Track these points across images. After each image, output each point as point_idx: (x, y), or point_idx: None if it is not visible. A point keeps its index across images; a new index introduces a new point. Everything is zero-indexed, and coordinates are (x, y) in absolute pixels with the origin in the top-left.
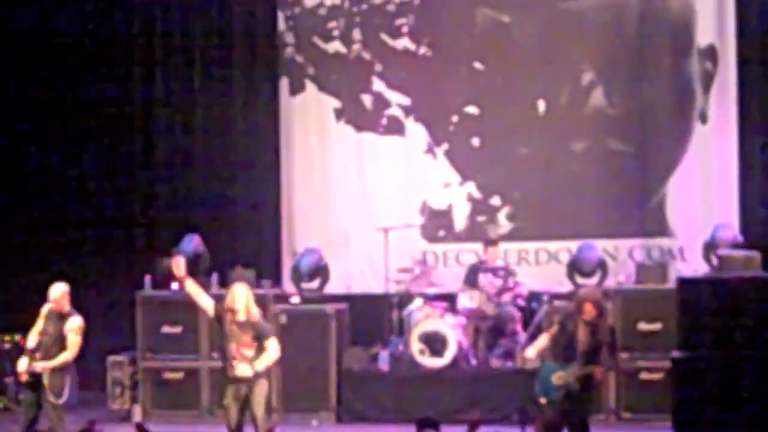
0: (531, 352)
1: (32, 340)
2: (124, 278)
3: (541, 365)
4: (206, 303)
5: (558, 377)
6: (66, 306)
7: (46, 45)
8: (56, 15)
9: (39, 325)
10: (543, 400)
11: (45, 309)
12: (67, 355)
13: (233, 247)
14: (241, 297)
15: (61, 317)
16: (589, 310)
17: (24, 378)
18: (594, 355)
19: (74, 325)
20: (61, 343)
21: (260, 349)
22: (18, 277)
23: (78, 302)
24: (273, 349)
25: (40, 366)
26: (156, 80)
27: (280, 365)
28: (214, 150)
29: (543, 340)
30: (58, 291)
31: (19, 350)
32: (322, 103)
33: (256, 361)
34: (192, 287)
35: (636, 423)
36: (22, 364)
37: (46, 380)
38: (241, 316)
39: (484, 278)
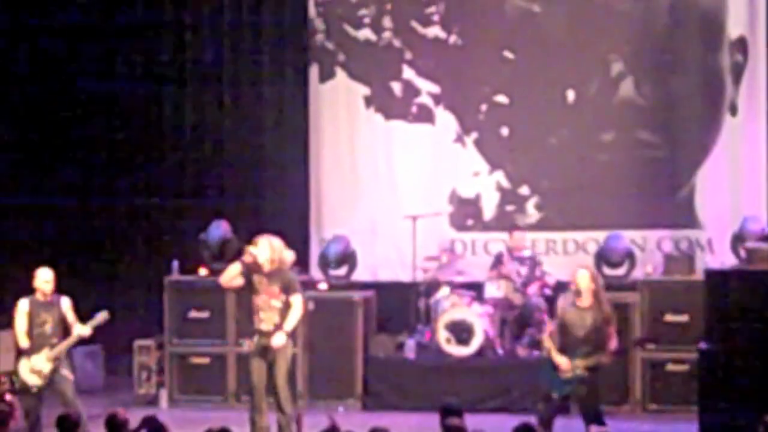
0: (564, 362)
1: (24, 340)
2: (152, 263)
3: (544, 361)
4: (237, 281)
5: (566, 370)
6: (51, 292)
7: (68, 36)
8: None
9: (23, 323)
10: (556, 396)
11: (24, 305)
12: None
13: (261, 234)
14: (265, 250)
15: (49, 304)
16: (586, 294)
17: (41, 379)
18: (597, 340)
19: (69, 304)
20: (63, 325)
21: (287, 303)
22: (46, 262)
23: (106, 287)
24: (297, 305)
25: (84, 330)
26: (185, 66)
27: (306, 352)
28: (242, 136)
29: (550, 344)
30: (50, 274)
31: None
32: (351, 90)
33: (285, 322)
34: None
35: (662, 414)
36: (28, 366)
37: (62, 367)
38: (267, 267)
39: (510, 267)
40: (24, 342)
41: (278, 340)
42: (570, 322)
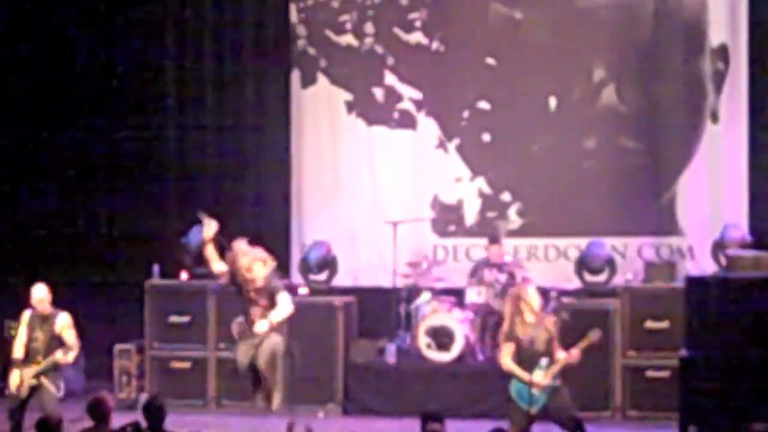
0: (537, 376)
1: (19, 350)
2: (133, 267)
3: (511, 382)
4: (220, 269)
5: (538, 384)
6: (48, 307)
7: (51, 39)
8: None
9: (23, 333)
10: (534, 410)
11: (26, 316)
12: (75, 352)
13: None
14: (259, 269)
15: (45, 319)
16: (530, 309)
17: (22, 392)
18: (553, 349)
19: (66, 322)
20: (56, 343)
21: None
22: (27, 265)
23: (86, 290)
24: (285, 302)
25: (66, 358)
26: (167, 71)
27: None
28: (224, 141)
29: (514, 366)
30: (42, 292)
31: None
32: (333, 96)
33: (271, 313)
34: (211, 252)
35: (642, 421)
36: (17, 377)
37: (45, 379)
38: (260, 283)
39: (489, 274)
40: (19, 352)
41: (261, 326)
42: (527, 339)
